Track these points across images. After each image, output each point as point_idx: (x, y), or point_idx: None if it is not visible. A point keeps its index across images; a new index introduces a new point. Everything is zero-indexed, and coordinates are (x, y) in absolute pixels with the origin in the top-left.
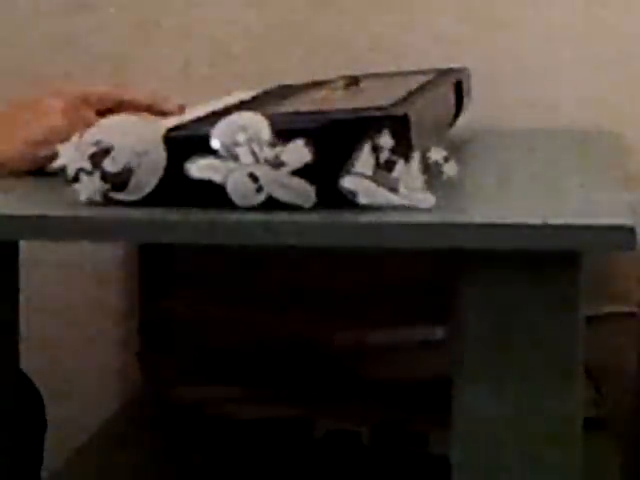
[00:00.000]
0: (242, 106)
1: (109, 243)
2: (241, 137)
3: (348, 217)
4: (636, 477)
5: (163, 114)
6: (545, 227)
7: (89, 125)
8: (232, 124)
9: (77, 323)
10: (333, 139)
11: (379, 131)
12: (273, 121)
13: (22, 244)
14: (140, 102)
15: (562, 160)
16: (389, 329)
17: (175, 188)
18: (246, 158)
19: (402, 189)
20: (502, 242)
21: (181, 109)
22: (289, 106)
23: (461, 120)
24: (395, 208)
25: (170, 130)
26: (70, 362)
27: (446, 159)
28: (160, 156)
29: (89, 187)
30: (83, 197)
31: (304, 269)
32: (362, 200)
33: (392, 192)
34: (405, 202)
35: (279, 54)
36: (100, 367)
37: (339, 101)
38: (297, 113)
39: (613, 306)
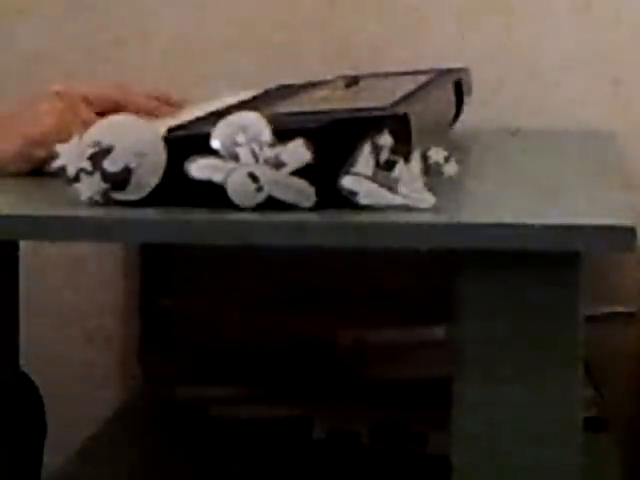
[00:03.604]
0: (242, 106)
1: (109, 243)
2: (241, 137)
3: (348, 217)
4: (636, 477)
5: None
6: (545, 227)
7: (88, 125)
8: (232, 124)
9: (77, 323)
10: (333, 139)
11: (379, 131)
12: (273, 121)
13: (22, 244)
14: (142, 105)
15: (562, 160)
16: (389, 329)
17: (175, 188)
18: (246, 158)
19: (402, 189)
20: (502, 242)
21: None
22: (289, 106)
23: (461, 120)
24: (395, 208)
25: (170, 130)
26: (70, 362)
27: (446, 159)
28: (160, 156)
29: (89, 187)
30: (83, 197)
31: (304, 269)
32: (362, 200)
33: (392, 192)
34: (405, 202)
35: (279, 54)
36: (100, 367)
37: (339, 101)
38: (297, 113)
39: (613, 306)
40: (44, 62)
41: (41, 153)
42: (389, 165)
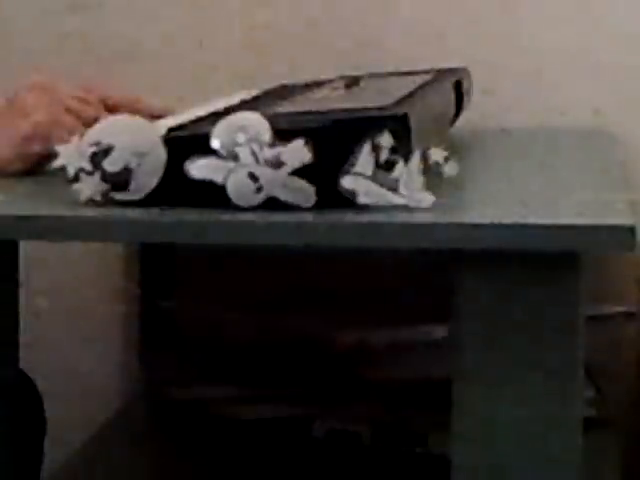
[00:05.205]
0: (242, 106)
1: (109, 243)
2: (241, 137)
3: (348, 217)
4: (636, 477)
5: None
6: (545, 227)
7: (71, 111)
8: (232, 124)
9: (77, 323)
10: (333, 139)
11: (379, 131)
12: (273, 121)
13: (22, 244)
14: (123, 103)
15: (562, 160)
16: (389, 329)
17: (175, 188)
18: (246, 158)
19: (402, 189)
20: (502, 242)
21: (166, 110)
22: (289, 106)
23: (461, 120)
24: (395, 208)
25: (170, 130)
26: (70, 362)
27: (446, 159)
28: (160, 156)
29: (89, 187)
30: (83, 197)
31: (304, 269)
32: (362, 200)
33: (392, 192)
34: (405, 202)
35: (279, 54)
36: (100, 367)
37: (339, 101)
38: (297, 113)
39: (613, 306)
40: (42, 62)
41: (37, 148)
42: (389, 165)
